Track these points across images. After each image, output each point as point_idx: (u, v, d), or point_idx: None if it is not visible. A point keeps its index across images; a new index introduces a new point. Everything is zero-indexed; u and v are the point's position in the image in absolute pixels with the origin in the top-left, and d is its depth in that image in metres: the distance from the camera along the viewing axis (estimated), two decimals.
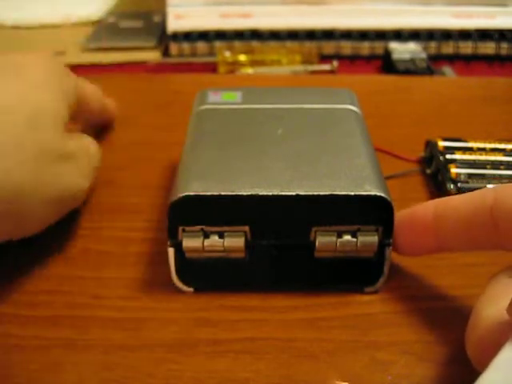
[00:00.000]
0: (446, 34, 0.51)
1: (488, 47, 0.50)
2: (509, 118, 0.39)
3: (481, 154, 0.32)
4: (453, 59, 0.50)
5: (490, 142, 0.33)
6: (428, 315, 0.24)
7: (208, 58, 0.50)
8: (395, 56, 0.48)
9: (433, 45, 0.51)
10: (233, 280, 0.25)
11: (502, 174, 0.31)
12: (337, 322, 0.24)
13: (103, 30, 0.55)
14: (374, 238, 0.24)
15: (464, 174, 0.31)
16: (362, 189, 0.23)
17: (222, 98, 0.31)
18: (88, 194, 0.30)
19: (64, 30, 0.56)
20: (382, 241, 0.24)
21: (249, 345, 0.23)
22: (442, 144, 0.33)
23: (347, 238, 0.24)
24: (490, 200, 0.21)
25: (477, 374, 0.19)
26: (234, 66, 0.48)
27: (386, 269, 0.24)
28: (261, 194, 0.23)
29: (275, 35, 0.51)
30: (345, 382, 0.21)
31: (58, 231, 0.28)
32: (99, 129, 0.37)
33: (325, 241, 0.24)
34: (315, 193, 0.23)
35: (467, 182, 0.30)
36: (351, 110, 0.30)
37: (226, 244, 0.24)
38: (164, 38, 0.53)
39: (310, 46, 0.50)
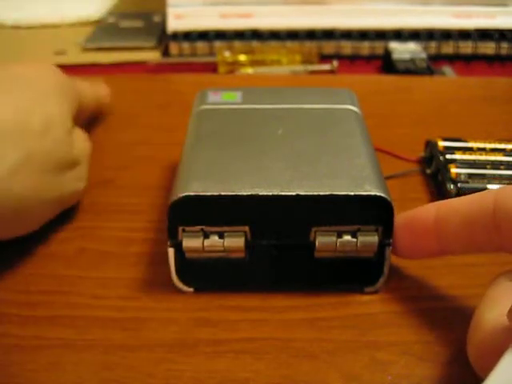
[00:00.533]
0: (446, 34, 0.51)
1: (488, 47, 0.50)
2: (509, 118, 0.39)
3: (481, 154, 0.32)
4: (453, 59, 0.50)
5: (490, 142, 0.33)
6: (428, 315, 0.24)
7: (208, 58, 0.50)
8: (395, 56, 0.48)
9: (433, 45, 0.51)
10: (233, 280, 0.25)
11: (502, 174, 0.31)
12: (337, 322, 0.24)
13: (103, 30, 0.55)
14: (373, 238, 0.24)
15: (464, 173, 0.31)
16: (361, 189, 0.23)
17: (222, 98, 0.31)
18: (88, 194, 0.30)
19: (64, 30, 0.56)
20: (382, 241, 0.24)
21: (249, 345, 0.23)
22: (442, 144, 0.33)
23: (347, 238, 0.24)
24: (491, 202, 0.21)
25: (476, 374, 0.19)
26: (234, 66, 0.48)
27: (385, 269, 0.24)
28: (261, 194, 0.23)
29: (275, 35, 0.51)
30: (344, 381, 0.21)
31: (57, 231, 0.28)
32: (99, 129, 0.37)
33: (325, 241, 0.24)
34: (315, 193, 0.23)
35: (467, 182, 0.30)
36: (351, 110, 0.30)
37: (225, 244, 0.24)
38: (164, 38, 0.53)
39: (310, 45, 0.50)
